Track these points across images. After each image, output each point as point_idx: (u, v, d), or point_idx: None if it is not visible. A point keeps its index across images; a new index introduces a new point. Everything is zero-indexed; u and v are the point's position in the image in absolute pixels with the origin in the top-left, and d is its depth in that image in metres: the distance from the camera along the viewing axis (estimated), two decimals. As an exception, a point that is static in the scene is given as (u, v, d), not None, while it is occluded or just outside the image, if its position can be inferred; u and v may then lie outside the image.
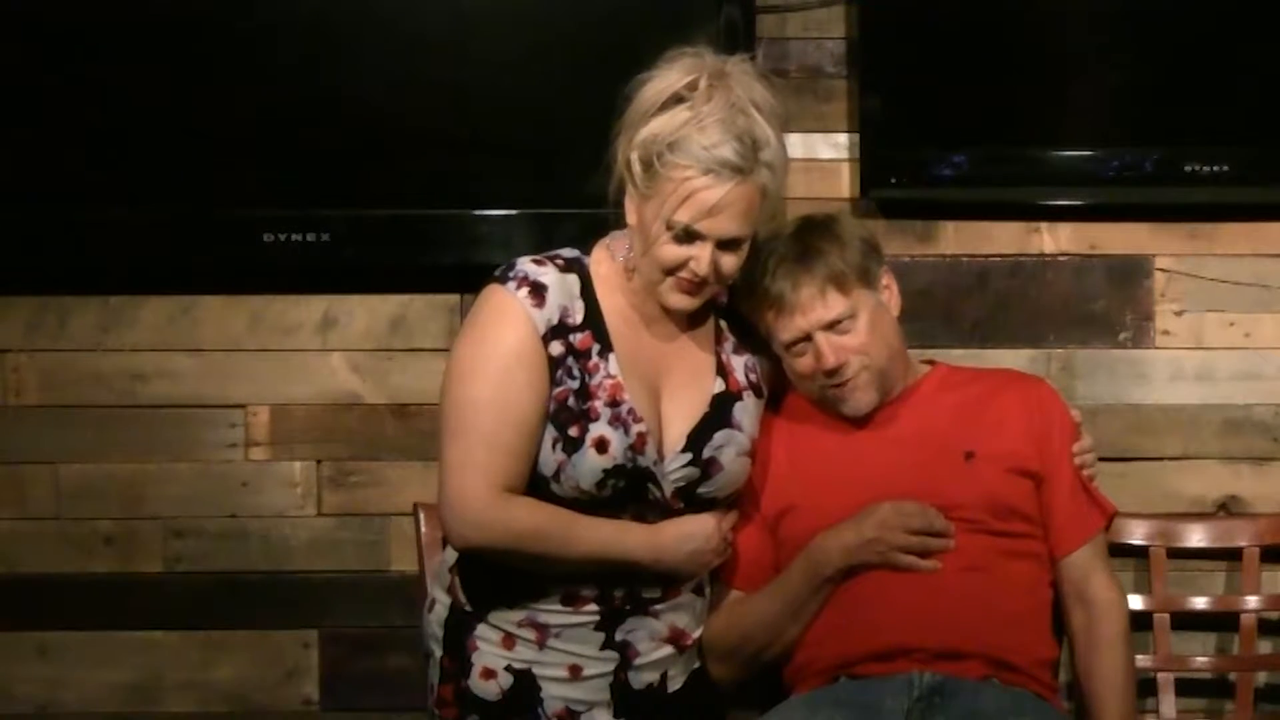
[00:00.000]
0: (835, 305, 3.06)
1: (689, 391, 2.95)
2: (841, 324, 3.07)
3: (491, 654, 2.85)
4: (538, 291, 2.83)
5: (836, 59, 3.64)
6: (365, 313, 3.62)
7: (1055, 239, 3.64)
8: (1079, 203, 3.61)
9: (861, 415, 3.12)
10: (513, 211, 3.48)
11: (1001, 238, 3.65)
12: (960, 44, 3.54)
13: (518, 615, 2.86)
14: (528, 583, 2.85)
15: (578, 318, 2.85)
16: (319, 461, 3.62)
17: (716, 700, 3.10)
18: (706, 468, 2.95)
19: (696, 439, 2.94)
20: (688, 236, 2.81)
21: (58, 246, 3.55)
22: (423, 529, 3.26)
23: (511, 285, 2.82)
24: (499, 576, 2.84)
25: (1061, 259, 3.65)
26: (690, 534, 2.95)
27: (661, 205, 2.81)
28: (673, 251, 2.81)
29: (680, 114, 2.81)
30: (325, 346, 3.62)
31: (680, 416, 2.93)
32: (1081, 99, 3.57)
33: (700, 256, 2.82)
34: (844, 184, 3.64)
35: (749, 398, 3.02)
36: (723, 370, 3.01)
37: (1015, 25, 3.55)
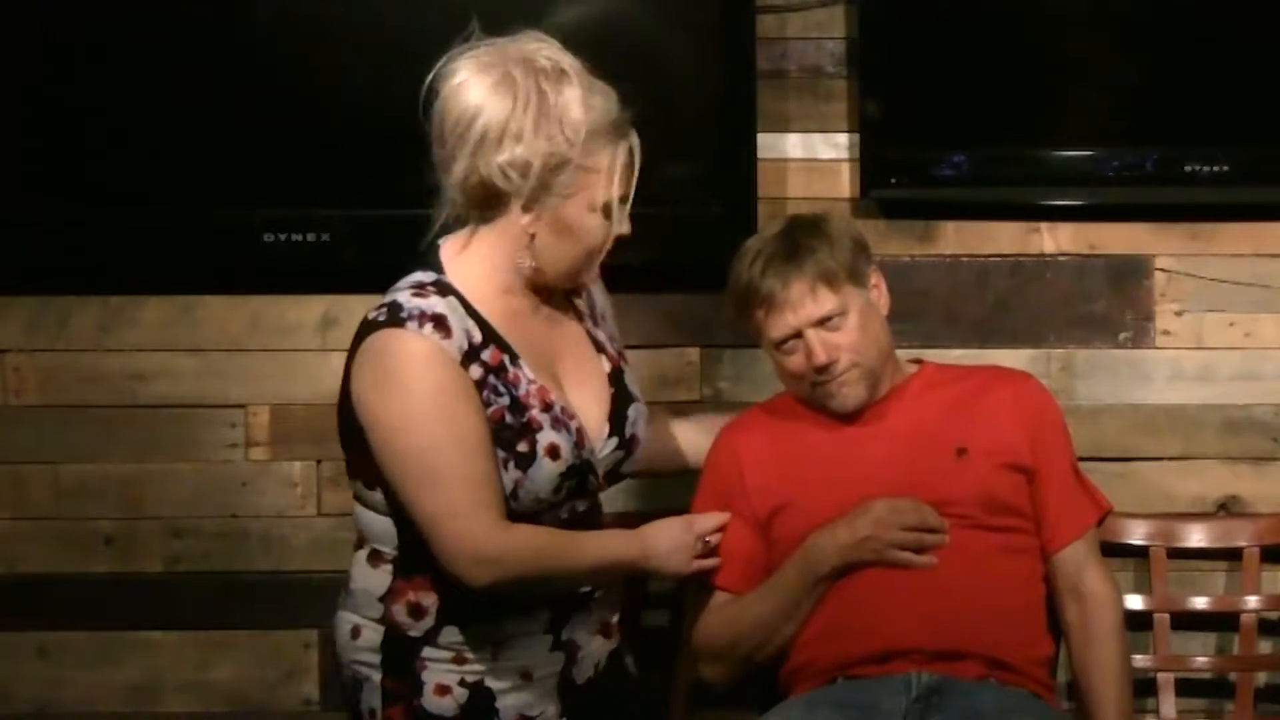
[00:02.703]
0: (826, 302, 3.06)
1: (586, 376, 2.92)
2: (832, 321, 3.07)
3: (443, 670, 2.78)
4: (440, 323, 2.73)
5: (836, 59, 3.65)
6: (365, 312, 3.61)
7: (1055, 239, 3.65)
8: (1079, 203, 3.61)
9: (850, 412, 3.12)
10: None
11: (1001, 238, 3.65)
12: (960, 44, 3.55)
13: (472, 631, 2.80)
14: (491, 600, 2.81)
15: (477, 336, 2.77)
16: (319, 461, 3.63)
17: (630, 679, 3.09)
18: (630, 446, 2.95)
19: (617, 421, 2.93)
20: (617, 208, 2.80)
21: (58, 246, 3.56)
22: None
23: (412, 326, 2.71)
24: (460, 596, 2.78)
25: (1061, 259, 3.65)
26: (668, 532, 2.97)
27: (594, 193, 2.77)
28: (604, 230, 2.81)
29: (570, 108, 2.74)
30: (325, 346, 3.62)
31: (592, 401, 2.90)
32: (1081, 99, 3.57)
33: (624, 221, 2.83)
34: (844, 184, 3.64)
35: (626, 367, 3.00)
36: (599, 347, 2.98)
37: (1015, 25, 3.56)
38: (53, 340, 3.65)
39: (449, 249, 2.84)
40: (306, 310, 3.64)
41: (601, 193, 2.79)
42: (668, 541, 2.96)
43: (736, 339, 3.57)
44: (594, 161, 2.77)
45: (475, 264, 2.81)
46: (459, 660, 2.80)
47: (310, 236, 3.54)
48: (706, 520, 3.07)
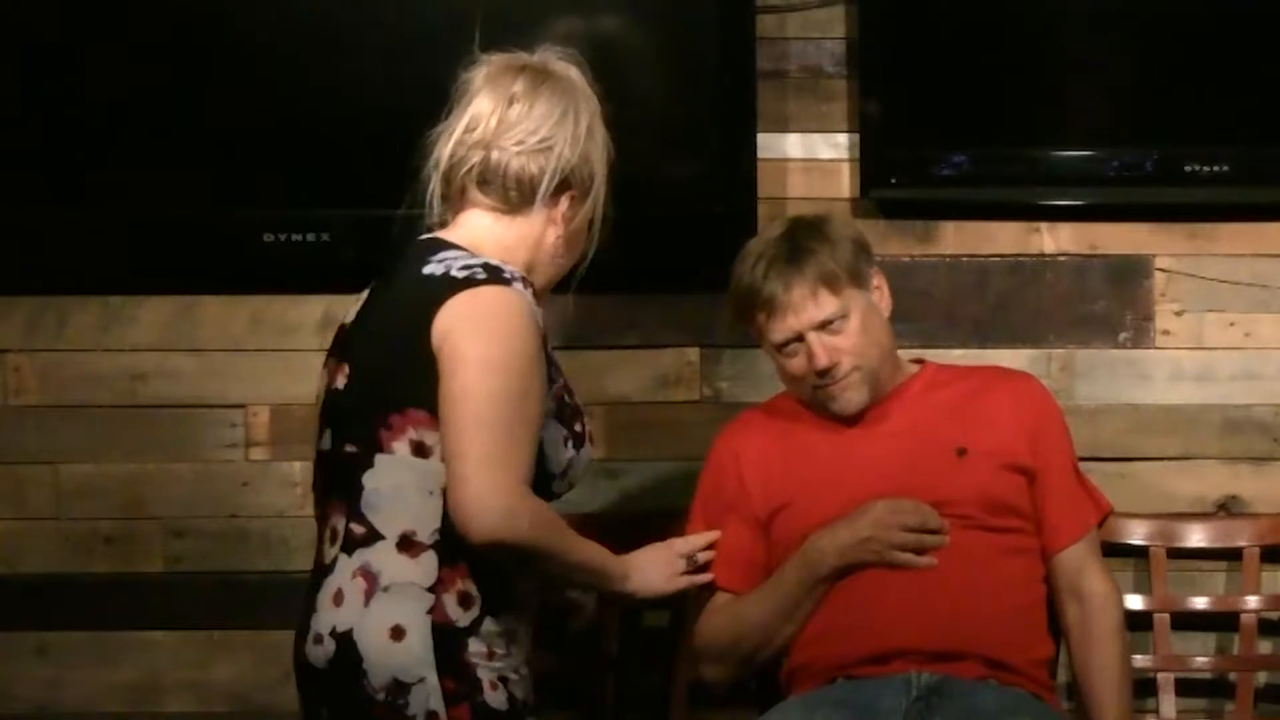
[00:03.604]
0: (827, 305, 3.06)
1: None
2: (833, 324, 3.07)
3: (486, 667, 2.70)
4: (531, 291, 2.75)
5: (836, 59, 3.65)
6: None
7: (1055, 239, 3.65)
8: (1079, 203, 3.61)
9: (852, 414, 3.12)
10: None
11: (1001, 238, 3.65)
12: (960, 44, 3.55)
13: (498, 624, 2.73)
14: (511, 590, 2.76)
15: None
16: (319, 461, 3.63)
17: None
18: None
19: None
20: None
21: (58, 246, 3.56)
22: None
23: (518, 285, 2.70)
24: (497, 584, 2.72)
25: (1061, 259, 3.65)
26: (649, 554, 2.93)
27: (598, 209, 2.83)
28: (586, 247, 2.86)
29: (597, 111, 2.82)
30: (325, 346, 3.60)
31: None
32: (1081, 99, 3.58)
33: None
34: (844, 184, 3.64)
35: None
36: None
37: (1015, 25, 3.56)
38: (53, 340, 3.65)
39: (464, 237, 2.78)
40: (306, 310, 3.64)
41: (600, 209, 2.82)
42: (648, 562, 2.91)
43: (736, 339, 3.57)
44: (604, 177, 2.81)
45: (507, 257, 2.77)
46: (490, 655, 2.71)
47: (310, 236, 3.54)
48: (688, 541, 3.02)
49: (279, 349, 3.63)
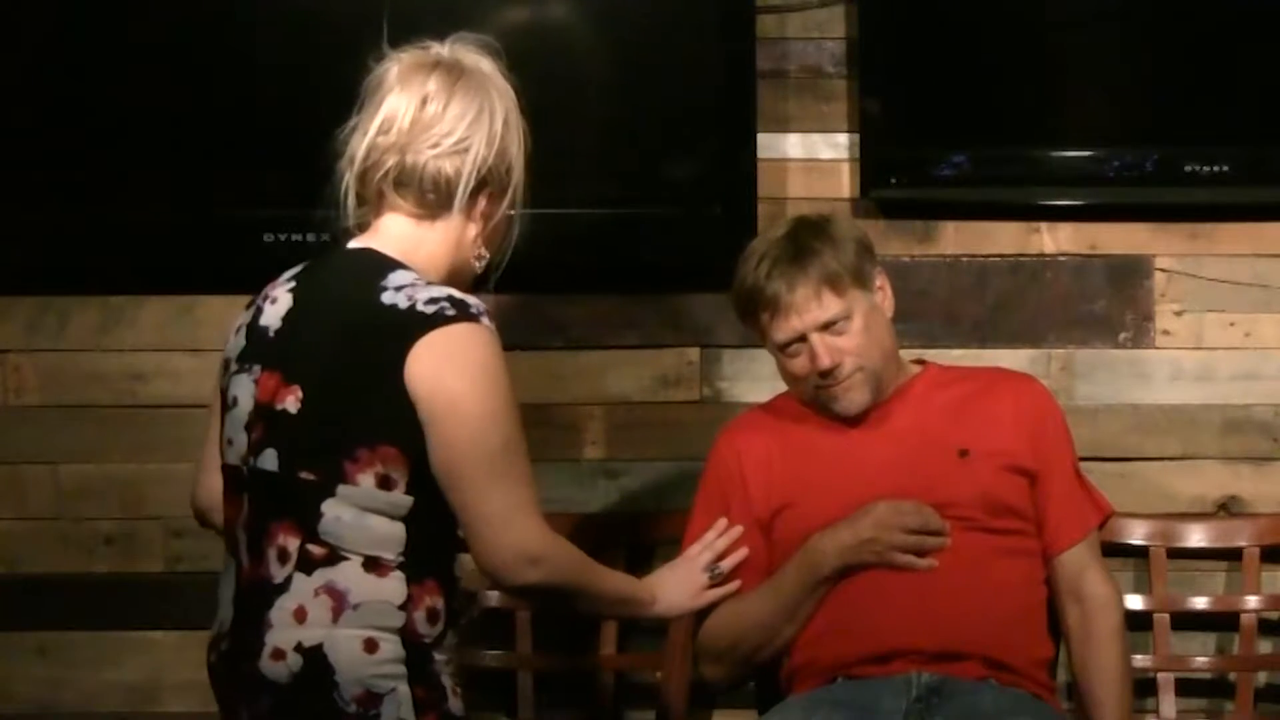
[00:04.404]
0: (830, 306, 3.06)
1: None
2: (836, 325, 3.06)
3: (447, 674, 2.68)
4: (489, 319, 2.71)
5: (836, 59, 3.65)
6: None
7: (1055, 239, 3.65)
8: (1079, 203, 3.61)
9: (854, 415, 3.12)
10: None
11: (1001, 238, 3.65)
12: (960, 44, 3.55)
13: (453, 635, 2.71)
14: (459, 603, 2.74)
15: None
16: (319, 461, 3.62)
17: None
18: None
19: None
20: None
21: (58, 246, 3.56)
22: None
23: (485, 320, 2.65)
24: (455, 598, 2.71)
25: (1061, 259, 3.65)
26: (672, 575, 2.94)
27: (514, 198, 2.78)
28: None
29: (513, 103, 2.76)
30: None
31: None
32: (1081, 99, 3.58)
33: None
34: (844, 184, 3.64)
35: None
36: None
37: (1015, 25, 3.56)
38: (53, 340, 3.65)
39: (394, 247, 2.71)
40: (306, 310, 3.63)
41: (518, 201, 2.77)
42: (673, 582, 2.92)
43: (736, 339, 3.57)
44: (522, 170, 2.77)
45: (433, 268, 2.72)
46: (448, 663, 2.69)
47: (310, 236, 3.52)
48: (707, 548, 3.02)
49: (279, 349, 3.63)
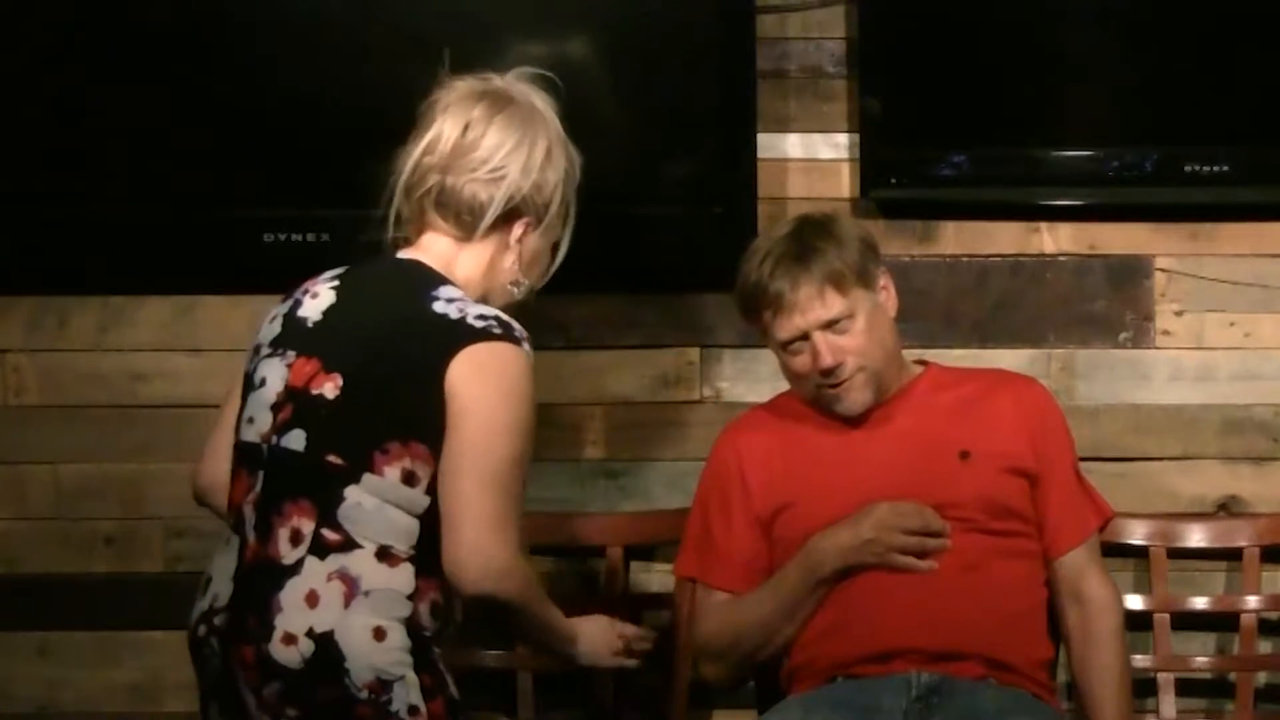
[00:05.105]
0: (834, 305, 3.06)
1: None
2: (839, 324, 3.07)
3: (443, 665, 2.77)
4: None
5: (836, 59, 3.65)
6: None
7: (1055, 239, 3.65)
8: (1079, 203, 3.61)
9: (856, 415, 3.12)
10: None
11: (1001, 238, 3.65)
12: (960, 44, 3.55)
13: (447, 631, 2.81)
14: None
15: None
16: (319, 461, 3.62)
17: None
18: None
19: None
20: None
21: (58, 246, 3.56)
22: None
23: (525, 346, 2.76)
24: (453, 596, 2.79)
25: (1061, 259, 3.65)
26: (595, 625, 2.95)
27: (556, 230, 2.88)
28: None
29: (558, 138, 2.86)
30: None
31: None
32: (1081, 99, 3.58)
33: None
34: (844, 184, 3.64)
35: None
36: None
37: (1015, 25, 3.56)
38: (53, 340, 3.65)
39: (436, 264, 2.81)
40: (306, 310, 3.63)
41: (563, 235, 2.87)
42: (594, 632, 2.94)
43: (737, 339, 3.57)
44: (563, 204, 2.86)
45: (469, 289, 2.81)
46: (442, 657, 2.77)
47: (310, 236, 3.53)
48: (628, 628, 3.00)
49: (279, 349, 3.63)
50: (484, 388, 2.70)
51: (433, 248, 2.83)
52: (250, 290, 3.63)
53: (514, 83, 2.87)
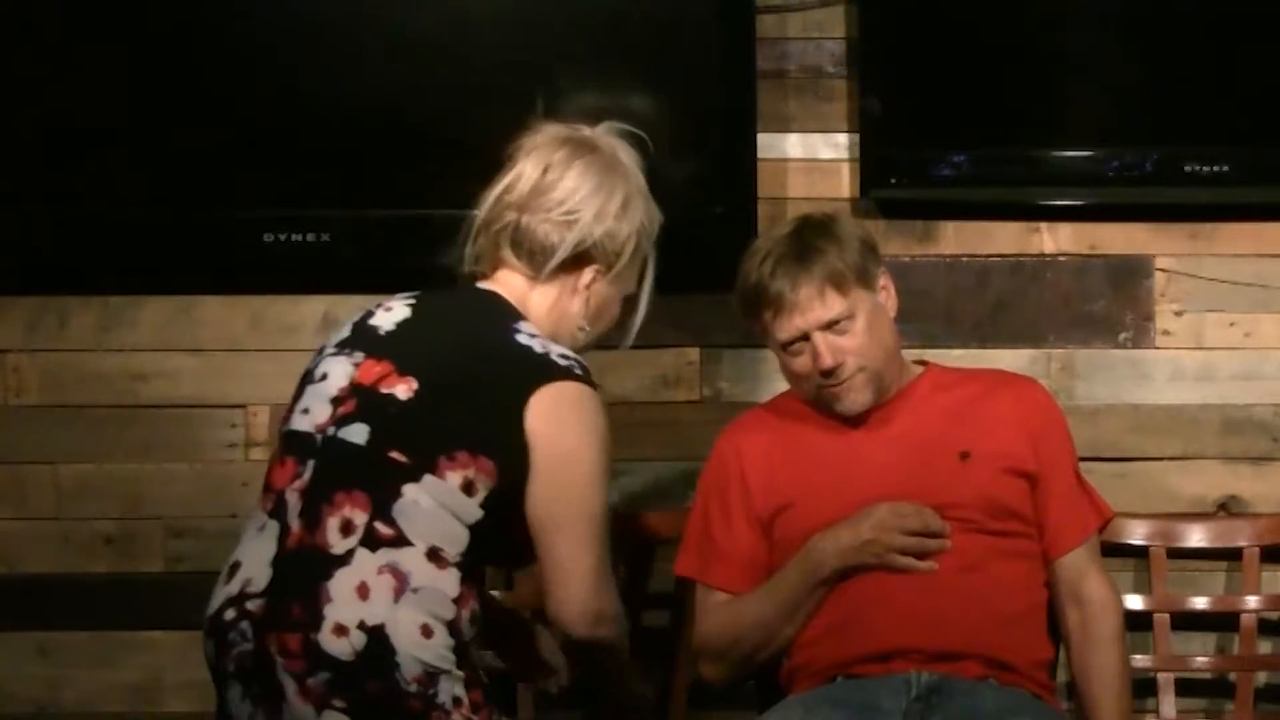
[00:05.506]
0: (834, 305, 3.06)
1: None
2: (839, 324, 3.06)
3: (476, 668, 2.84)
4: None
5: (836, 59, 3.65)
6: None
7: (1055, 239, 3.65)
8: (1079, 203, 3.62)
9: (856, 415, 3.12)
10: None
11: (1001, 238, 3.65)
12: (960, 44, 3.55)
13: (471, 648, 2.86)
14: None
15: None
16: (319, 461, 3.62)
17: None
18: None
19: None
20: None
21: (58, 246, 3.56)
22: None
23: (598, 393, 2.82)
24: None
25: (1061, 259, 3.65)
26: None
27: (629, 282, 2.95)
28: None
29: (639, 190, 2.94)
30: (326, 346, 3.62)
31: None
32: (1081, 99, 3.58)
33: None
34: (844, 184, 3.64)
35: None
36: None
37: (1015, 25, 3.56)
38: (53, 340, 3.65)
39: (517, 300, 2.87)
40: (306, 310, 3.64)
41: (641, 286, 2.96)
42: None
43: (736, 339, 3.57)
44: (644, 249, 2.95)
45: (536, 328, 2.86)
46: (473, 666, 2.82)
47: (310, 236, 3.54)
48: None
49: (279, 349, 3.63)
50: (573, 436, 2.77)
51: (507, 283, 2.88)
52: (250, 290, 3.64)
53: (601, 134, 2.93)
